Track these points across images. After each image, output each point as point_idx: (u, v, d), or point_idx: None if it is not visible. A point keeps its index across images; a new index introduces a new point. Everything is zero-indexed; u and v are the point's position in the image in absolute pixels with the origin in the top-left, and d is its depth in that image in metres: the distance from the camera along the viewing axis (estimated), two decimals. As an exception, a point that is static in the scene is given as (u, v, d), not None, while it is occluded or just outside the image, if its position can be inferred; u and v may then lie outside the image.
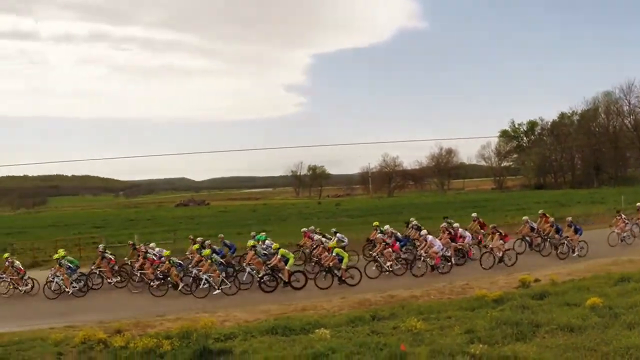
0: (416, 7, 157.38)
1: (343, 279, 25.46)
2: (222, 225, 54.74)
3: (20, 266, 27.98)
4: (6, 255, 28.70)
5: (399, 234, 29.76)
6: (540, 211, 32.63)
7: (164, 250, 28.24)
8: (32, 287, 27.40)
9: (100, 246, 29.57)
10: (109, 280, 27.92)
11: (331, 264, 25.54)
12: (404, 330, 16.01)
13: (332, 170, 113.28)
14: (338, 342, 15.23)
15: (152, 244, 29.78)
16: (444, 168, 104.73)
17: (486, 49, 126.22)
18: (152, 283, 26.03)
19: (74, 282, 26.75)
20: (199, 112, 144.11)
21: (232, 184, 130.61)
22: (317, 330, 16.27)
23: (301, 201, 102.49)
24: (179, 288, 25.74)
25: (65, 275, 26.61)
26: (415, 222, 32.23)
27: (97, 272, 28.05)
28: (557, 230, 29.49)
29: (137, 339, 15.72)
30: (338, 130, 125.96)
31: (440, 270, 26.77)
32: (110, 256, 28.64)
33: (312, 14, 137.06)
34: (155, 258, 27.34)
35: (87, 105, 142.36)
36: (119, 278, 27.88)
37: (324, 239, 29.22)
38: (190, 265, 26.64)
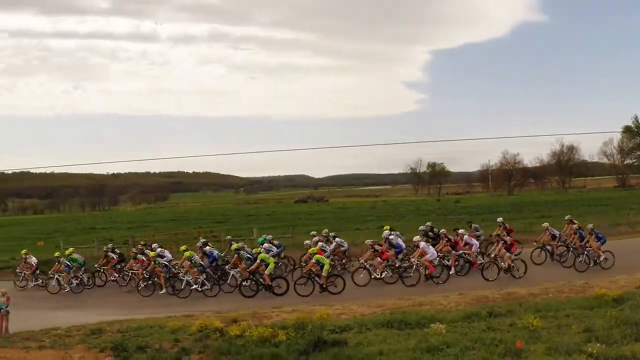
0: (535, 0, 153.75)
1: (324, 286, 24.74)
2: (341, 221, 55.18)
3: (34, 262, 29.99)
4: (24, 251, 30.89)
5: (399, 240, 27.96)
6: (567, 217, 30.35)
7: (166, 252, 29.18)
8: (44, 282, 29.35)
9: (110, 245, 31.31)
10: (112, 278, 29.18)
11: (314, 270, 24.89)
12: (520, 328, 15.91)
13: (452, 167, 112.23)
14: (453, 337, 15.30)
15: (154, 245, 30.63)
16: (565, 165, 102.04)
17: (608, 41, 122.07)
18: (140, 283, 27.20)
19: (72, 279, 28.41)
20: (319, 110, 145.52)
21: (351, 181, 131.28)
22: (432, 325, 16.33)
23: (420, 198, 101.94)
24: (164, 289, 26.62)
25: (64, 273, 28.79)
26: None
27: (102, 270, 29.81)
28: (581, 239, 27.00)
29: (253, 329, 16.20)
30: (457, 127, 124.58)
31: (435, 280, 25.54)
32: (114, 255, 29.92)
33: (429, 9, 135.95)
34: (145, 259, 28.15)
35: (207, 104, 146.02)
36: (119, 276, 29.04)
37: (319, 243, 28.25)
38: (176, 266, 27.37)
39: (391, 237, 27.90)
